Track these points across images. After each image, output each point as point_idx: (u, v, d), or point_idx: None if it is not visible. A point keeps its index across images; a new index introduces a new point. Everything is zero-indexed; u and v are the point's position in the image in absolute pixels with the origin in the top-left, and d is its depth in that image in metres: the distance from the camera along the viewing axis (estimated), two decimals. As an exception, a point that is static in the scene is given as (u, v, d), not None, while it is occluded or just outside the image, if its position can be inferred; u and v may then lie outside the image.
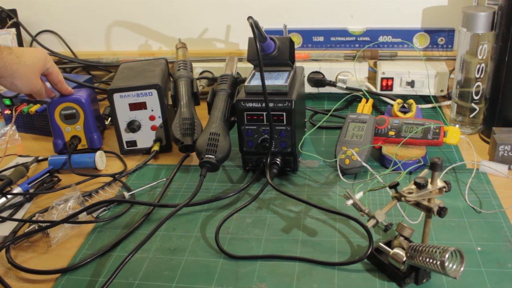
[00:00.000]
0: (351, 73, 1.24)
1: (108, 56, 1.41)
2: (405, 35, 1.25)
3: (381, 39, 1.26)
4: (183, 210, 0.89)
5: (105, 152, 1.08)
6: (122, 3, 1.37)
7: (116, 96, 1.04)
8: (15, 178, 0.97)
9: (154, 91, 1.04)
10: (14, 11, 1.40)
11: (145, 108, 1.05)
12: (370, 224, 0.69)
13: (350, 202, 0.72)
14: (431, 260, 0.63)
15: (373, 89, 1.23)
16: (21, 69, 0.91)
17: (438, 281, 0.70)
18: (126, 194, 0.93)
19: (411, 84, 1.20)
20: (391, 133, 0.98)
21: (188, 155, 1.05)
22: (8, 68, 0.90)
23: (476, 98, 1.05)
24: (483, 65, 1.02)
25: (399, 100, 1.07)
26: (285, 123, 0.91)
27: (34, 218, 0.87)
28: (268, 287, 0.71)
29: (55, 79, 1.01)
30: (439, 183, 0.65)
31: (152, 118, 1.06)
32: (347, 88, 1.23)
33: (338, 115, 1.18)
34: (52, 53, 1.40)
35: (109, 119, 1.16)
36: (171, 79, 1.17)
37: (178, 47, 1.24)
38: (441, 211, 0.65)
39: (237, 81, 1.10)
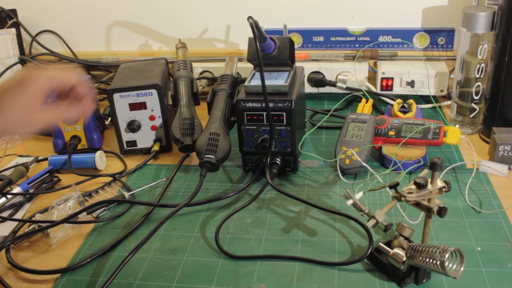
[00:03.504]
0: (351, 73, 1.24)
1: (108, 56, 1.41)
2: (405, 35, 1.25)
3: (381, 39, 1.26)
4: (183, 210, 0.89)
5: (105, 152, 1.08)
6: (122, 3, 1.37)
7: (116, 96, 1.03)
8: (15, 178, 0.97)
9: (154, 91, 1.04)
10: (14, 11, 1.40)
11: (145, 108, 1.05)
12: (370, 224, 0.69)
13: (350, 202, 0.72)
14: (431, 260, 0.63)
15: (373, 89, 1.23)
16: (9, 114, 0.66)
17: (438, 281, 0.70)
18: (126, 194, 0.93)
19: (411, 84, 1.20)
20: (391, 133, 0.98)
21: (188, 155, 1.05)
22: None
23: (476, 98, 1.05)
24: (483, 65, 1.02)
25: (399, 100, 1.07)
26: (285, 123, 0.91)
27: (34, 218, 0.87)
28: (268, 287, 0.71)
29: (76, 92, 0.71)
30: (439, 183, 0.65)
31: (152, 118, 1.06)
32: (347, 88, 1.23)
33: (338, 115, 1.18)
34: (52, 53, 1.40)
35: (109, 119, 1.16)
36: (171, 79, 1.17)
37: (178, 47, 1.24)
38: (441, 211, 0.65)
39: (237, 81, 1.09)
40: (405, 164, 0.94)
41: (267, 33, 0.90)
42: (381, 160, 0.98)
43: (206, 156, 0.92)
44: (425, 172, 0.70)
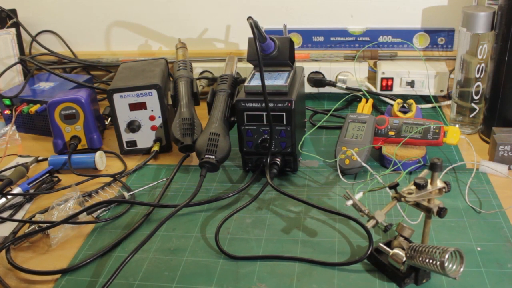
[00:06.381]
0: (351, 73, 1.24)
1: (108, 56, 1.41)
2: (405, 35, 1.25)
3: (381, 39, 1.26)
4: (183, 210, 0.89)
5: (105, 152, 1.08)
6: (122, 3, 1.37)
7: (116, 96, 1.04)
8: (15, 178, 0.97)
9: (154, 91, 1.04)
10: (14, 11, 1.40)
11: (145, 108, 1.05)
12: (370, 224, 0.69)
13: (350, 202, 0.72)
14: (431, 261, 0.63)
15: (373, 89, 1.23)
16: None
17: (438, 281, 0.70)
18: (126, 194, 0.93)
19: (411, 84, 1.20)
20: (391, 133, 0.98)
21: (188, 155, 1.05)
22: None
23: (476, 98, 1.05)
24: (483, 65, 1.02)
25: (399, 100, 1.07)
26: (285, 123, 0.91)
27: (34, 219, 0.87)
28: (268, 287, 0.71)
29: None
30: (439, 184, 0.65)
31: (152, 118, 1.06)
32: (347, 88, 1.23)
33: (338, 115, 1.18)
34: (52, 53, 1.40)
35: (109, 119, 1.16)
36: (171, 79, 1.17)
37: (178, 47, 1.24)
38: (441, 212, 0.65)
39: (237, 81, 1.09)
40: (405, 164, 0.94)
41: (267, 33, 0.90)
42: (381, 160, 0.98)
43: (206, 156, 0.92)
44: (425, 172, 0.70)
